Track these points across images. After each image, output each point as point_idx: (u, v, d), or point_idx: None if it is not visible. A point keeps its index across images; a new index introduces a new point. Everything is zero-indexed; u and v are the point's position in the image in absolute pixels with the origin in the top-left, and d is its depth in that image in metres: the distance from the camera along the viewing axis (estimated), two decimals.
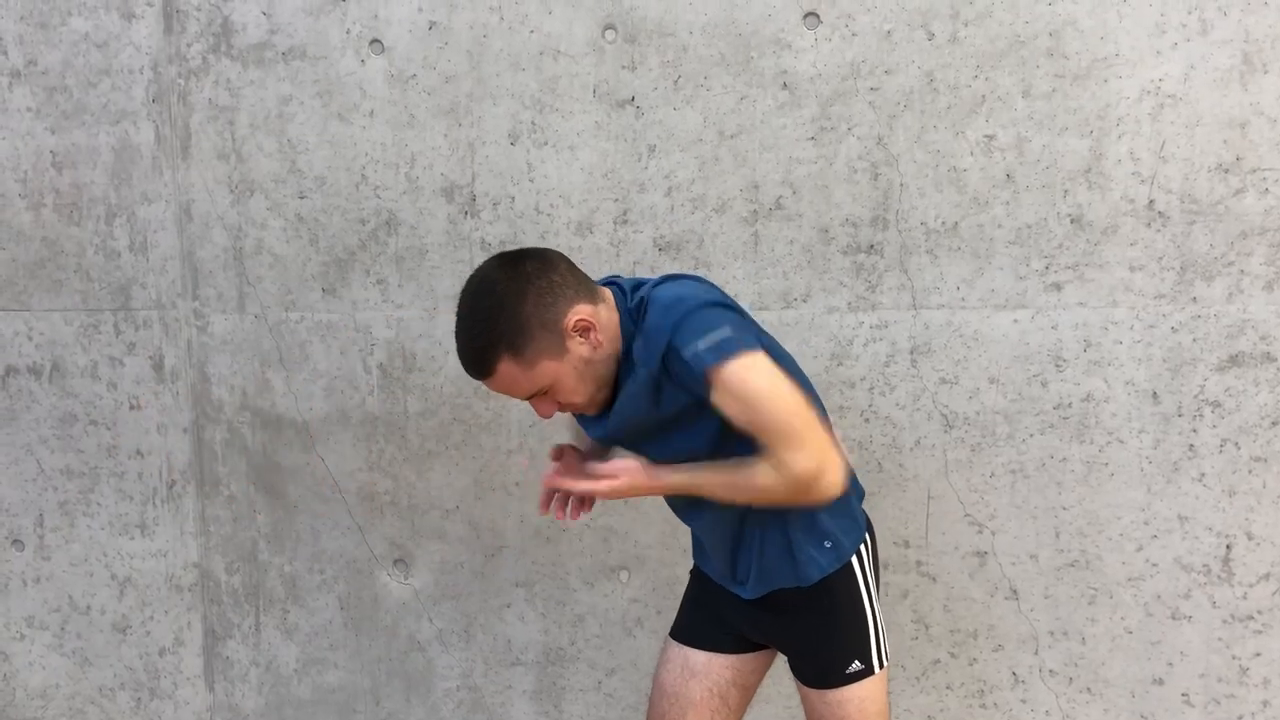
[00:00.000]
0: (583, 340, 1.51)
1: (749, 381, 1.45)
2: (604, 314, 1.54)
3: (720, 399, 1.46)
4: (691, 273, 1.69)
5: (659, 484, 1.56)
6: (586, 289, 1.53)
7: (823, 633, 1.69)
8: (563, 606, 2.40)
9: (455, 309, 1.54)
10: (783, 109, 2.16)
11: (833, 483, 1.49)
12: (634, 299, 1.57)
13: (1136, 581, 2.17)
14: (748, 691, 1.83)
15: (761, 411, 1.46)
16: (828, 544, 1.65)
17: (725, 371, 1.44)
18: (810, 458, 1.47)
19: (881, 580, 2.11)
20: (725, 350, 1.45)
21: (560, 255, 1.55)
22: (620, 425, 1.59)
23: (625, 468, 1.55)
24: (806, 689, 1.73)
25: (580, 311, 1.50)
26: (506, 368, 1.49)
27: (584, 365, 1.52)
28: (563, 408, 1.59)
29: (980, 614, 2.23)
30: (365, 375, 2.39)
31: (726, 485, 1.53)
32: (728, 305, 1.52)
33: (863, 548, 1.69)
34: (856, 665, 1.68)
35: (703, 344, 1.45)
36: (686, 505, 1.69)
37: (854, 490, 1.73)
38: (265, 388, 2.43)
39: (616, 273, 2.23)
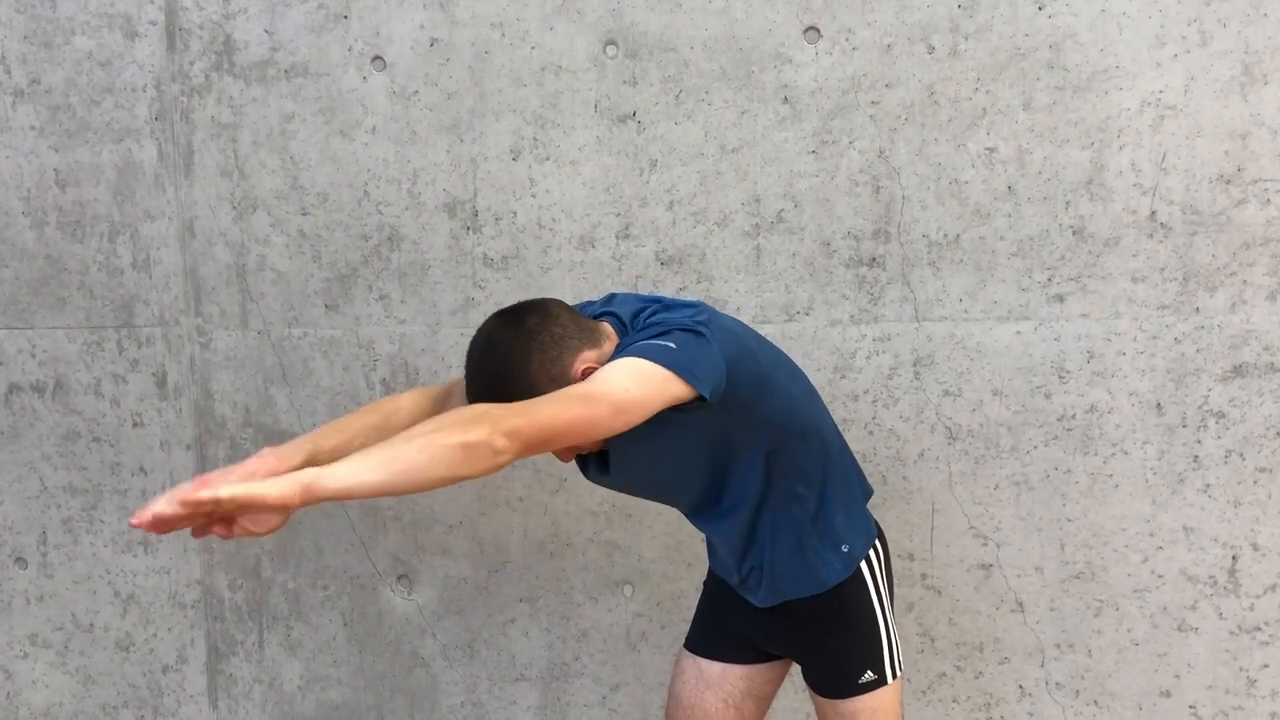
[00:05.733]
0: None
1: (612, 366, 1.42)
2: (608, 353, 1.54)
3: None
4: (695, 300, 1.68)
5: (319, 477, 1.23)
6: (589, 334, 1.53)
7: (834, 642, 1.69)
8: (567, 622, 2.39)
9: (464, 361, 1.54)
10: (784, 123, 2.17)
11: (487, 450, 1.27)
12: (634, 328, 1.57)
13: (1142, 593, 2.16)
14: (763, 702, 1.83)
15: (580, 387, 1.39)
16: (844, 548, 1.65)
17: (620, 359, 1.43)
18: (520, 424, 1.30)
19: None
20: (644, 352, 1.43)
21: (560, 304, 1.54)
22: (620, 460, 1.57)
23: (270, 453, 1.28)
24: (819, 698, 1.73)
25: (586, 360, 1.50)
26: None
27: None
28: (583, 451, 1.59)
29: (986, 627, 2.23)
30: (368, 391, 2.39)
31: (392, 448, 1.27)
32: (704, 336, 1.49)
33: (872, 553, 1.69)
34: (869, 675, 1.68)
35: (644, 342, 1.46)
36: (696, 511, 1.69)
37: (861, 492, 1.73)
38: (268, 404, 2.43)
39: (612, 292, 2.23)
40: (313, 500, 1.23)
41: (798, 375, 1.67)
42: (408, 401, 1.61)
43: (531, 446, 1.32)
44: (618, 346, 1.53)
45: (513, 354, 1.48)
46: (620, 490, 1.65)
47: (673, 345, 1.44)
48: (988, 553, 2.21)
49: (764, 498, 1.62)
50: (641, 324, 1.56)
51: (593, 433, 1.38)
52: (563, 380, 1.48)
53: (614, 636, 2.37)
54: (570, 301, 2.20)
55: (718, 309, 1.78)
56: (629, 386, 1.39)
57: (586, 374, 1.49)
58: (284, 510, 1.24)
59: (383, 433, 1.56)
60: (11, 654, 2.65)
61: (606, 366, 1.43)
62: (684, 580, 2.32)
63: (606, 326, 1.58)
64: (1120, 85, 2.06)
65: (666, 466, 1.59)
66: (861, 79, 2.13)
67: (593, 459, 1.62)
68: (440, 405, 1.64)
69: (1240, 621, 2.14)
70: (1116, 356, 2.11)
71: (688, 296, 2.24)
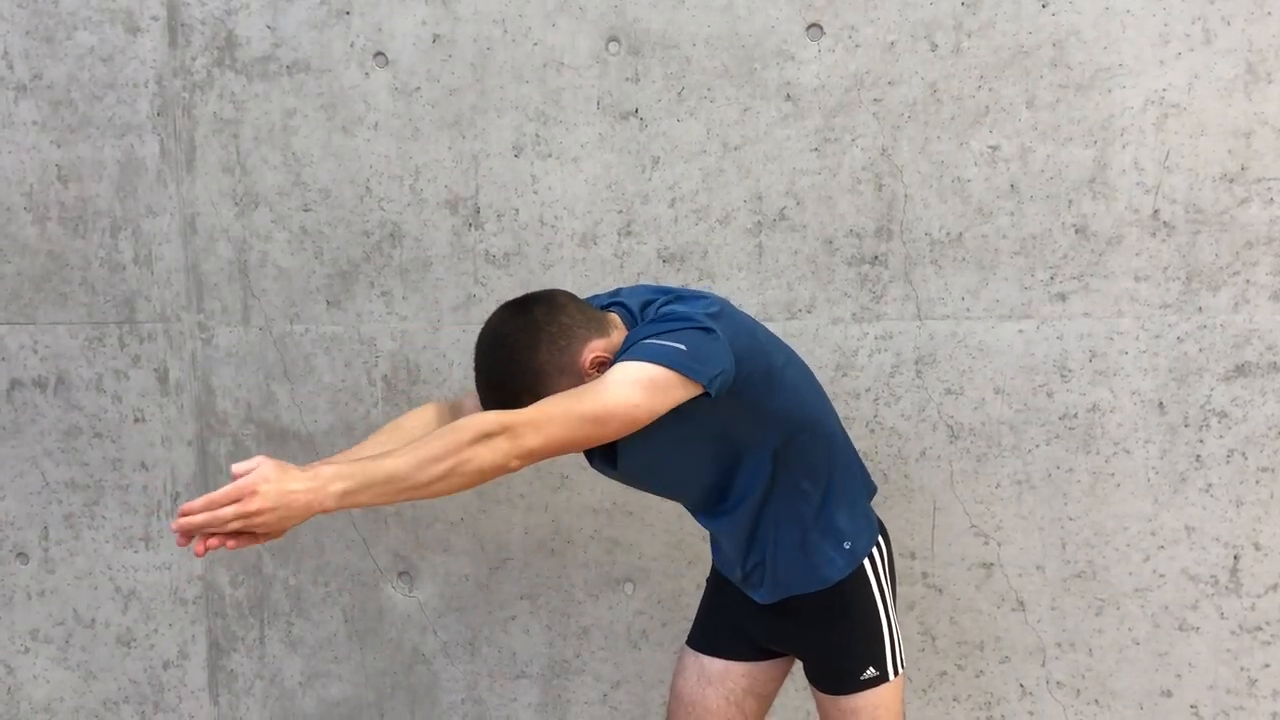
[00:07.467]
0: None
1: (622, 372, 1.41)
2: (617, 343, 1.54)
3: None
4: (707, 291, 1.68)
5: (317, 482, 1.26)
6: (596, 323, 1.53)
7: (836, 638, 1.69)
8: (567, 619, 2.39)
9: (474, 357, 1.56)
10: (786, 120, 2.16)
11: (504, 451, 1.33)
12: (644, 319, 1.57)
13: (1144, 592, 2.16)
14: (765, 700, 1.83)
15: (585, 390, 1.40)
16: (846, 544, 1.66)
17: (630, 363, 1.42)
18: (529, 425, 1.35)
19: None
20: (654, 355, 1.42)
21: (567, 294, 1.55)
22: (627, 455, 1.57)
23: (258, 463, 1.25)
24: (821, 695, 1.74)
25: (595, 348, 1.50)
26: None
27: None
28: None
29: (987, 625, 2.22)
30: (370, 388, 2.39)
31: (402, 459, 1.31)
32: (715, 333, 1.48)
33: (875, 550, 1.70)
34: (871, 672, 1.68)
35: (653, 341, 1.45)
36: (701, 506, 1.69)
37: (864, 489, 1.73)
38: (270, 400, 2.43)
39: (618, 286, 2.23)
40: (329, 499, 1.26)
41: (807, 373, 1.67)
42: (418, 420, 1.62)
43: (542, 459, 1.40)
44: (627, 337, 1.53)
45: (520, 344, 1.48)
46: (627, 483, 1.65)
47: (682, 346, 1.44)
48: (989, 551, 2.20)
49: (769, 493, 1.62)
50: (653, 315, 1.56)
51: (601, 443, 1.44)
52: (571, 370, 1.49)
53: (615, 634, 2.37)
54: None
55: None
56: (638, 401, 1.40)
57: (595, 363, 1.50)
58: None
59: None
60: (13, 649, 2.65)
61: (615, 371, 1.43)
62: (685, 578, 2.32)
63: (614, 316, 1.58)
64: (1123, 83, 2.05)
65: (674, 462, 1.59)
66: (864, 76, 2.13)
67: (599, 450, 1.62)
68: (453, 419, 1.64)
69: (1241, 621, 2.14)
70: (1119, 355, 2.11)
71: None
